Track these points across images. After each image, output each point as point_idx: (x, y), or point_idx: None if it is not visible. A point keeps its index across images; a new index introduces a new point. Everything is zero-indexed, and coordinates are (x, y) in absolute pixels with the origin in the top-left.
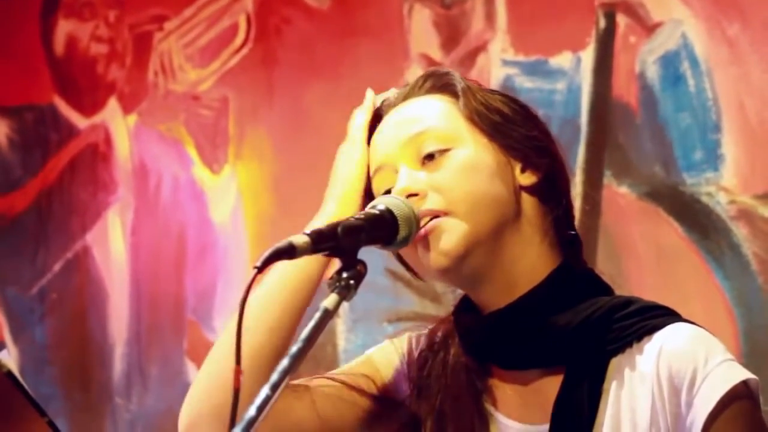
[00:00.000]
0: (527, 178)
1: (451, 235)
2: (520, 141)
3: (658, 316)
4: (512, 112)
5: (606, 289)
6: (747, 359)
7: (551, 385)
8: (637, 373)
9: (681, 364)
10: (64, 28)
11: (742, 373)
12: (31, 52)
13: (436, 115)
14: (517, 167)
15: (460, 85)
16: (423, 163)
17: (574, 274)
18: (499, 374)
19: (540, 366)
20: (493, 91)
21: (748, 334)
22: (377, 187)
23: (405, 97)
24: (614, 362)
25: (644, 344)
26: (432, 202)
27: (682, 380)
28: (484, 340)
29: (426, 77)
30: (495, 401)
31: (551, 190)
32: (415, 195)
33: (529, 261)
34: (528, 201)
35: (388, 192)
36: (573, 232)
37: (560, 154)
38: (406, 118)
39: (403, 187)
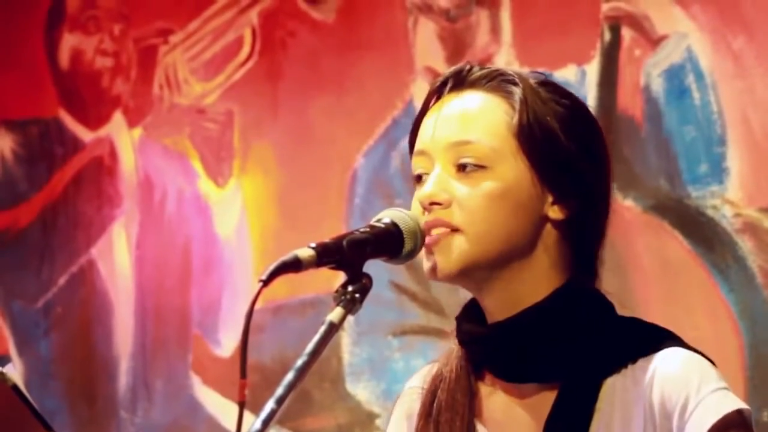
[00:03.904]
0: (555, 213)
1: (450, 255)
2: (560, 173)
3: (656, 339)
4: (567, 136)
5: (608, 309)
6: (752, 372)
7: (545, 402)
8: (631, 395)
9: (673, 389)
10: (69, 41)
11: (735, 403)
12: (36, 66)
13: (486, 128)
14: (550, 198)
15: (518, 99)
16: (458, 170)
17: (576, 293)
18: (495, 385)
19: (536, 381)
20: (563, 99)
21: (753, 347)
22: (414, 165)
23: (470, 85)
24: (608, 382)
25: (639, 366)
26: (453, 215)
27: (675, 405)
28: (483, 350)
29: (494, 75)
30: (485, 417)
31: (579, 227)
32: (438, 204)
33: (536, 282)
34: (550, 232)
35: (418, 178)
36: (592, 264)
37: (606, 191)
38: (460, 114)
39: (428, 194)
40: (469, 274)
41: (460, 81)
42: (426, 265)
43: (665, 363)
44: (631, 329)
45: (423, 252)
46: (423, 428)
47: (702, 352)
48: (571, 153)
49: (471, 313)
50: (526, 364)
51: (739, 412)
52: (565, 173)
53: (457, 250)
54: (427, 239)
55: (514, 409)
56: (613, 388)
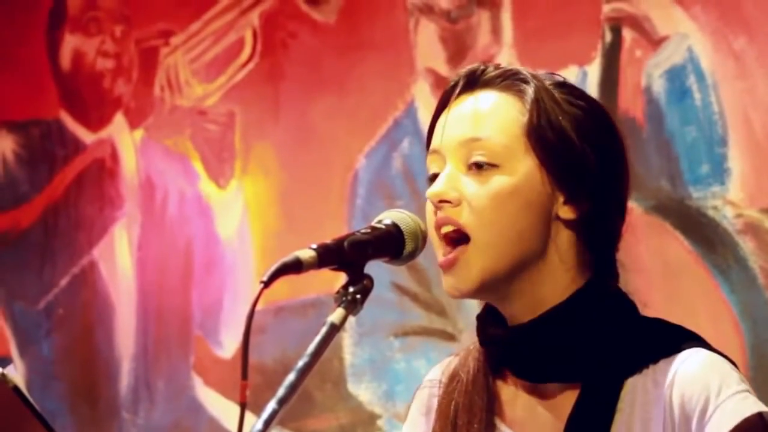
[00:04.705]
0: (567, 212)
1: (467, 273)
2: (571, 173)
3: (678, 340)
4: (579, 137)
5: (631, 310)
6: (754, 372)
7: (566, 402)
8: (651, 396)
9: (694, 391)
10: (70, 43)
11: (755, 406)
12: (38, 67)
13: (497, 126)
14: (561, 198)
15: (529, 99)
16: (469, 168)
17: (598, 294)
18: (516, 385)
19: (557, 380)
20: (578, 100)
21: (755, 347)
22: (428, 164)
23: (484, 84)
24: (629, 383)
25: (660, 367)
26: (463, 214)
27: (694, 408)
28: (504, 351)
29: (507, 74)
30: (507, 417)
31: (592, 225)
32: (448, 202)
33: (555, 284)
34: (563, 232)
35: (433, 176)
36: (609, 261)
37: (620, 192)
38: (471, 112)
39: (438, 192)
40: (488, 287)
41: (474, 80)
42: (445, 285)
43: (686, 364)
44: (654, 330)
45: (442, 270)
46: (441, 430)
47: (725, 354)
48: (583, 153)
49: (493, 313)
50: (547, 365)
51: (759, 416)
52: (576, 173)
53: (474, 266)
54: (442, 260)
55: (536, 408)
56: (634, 388)
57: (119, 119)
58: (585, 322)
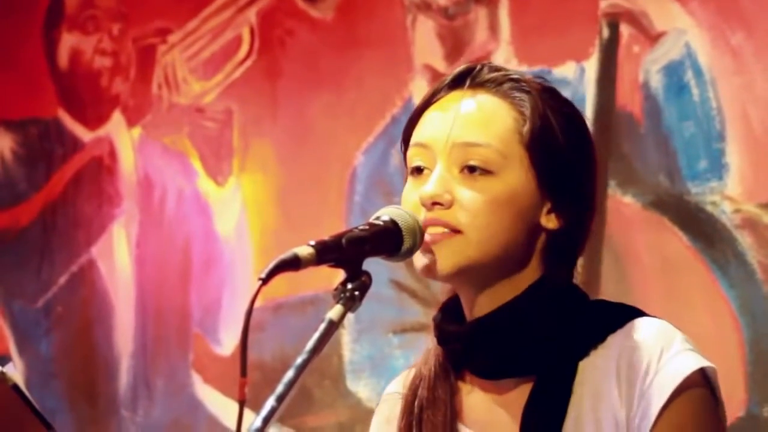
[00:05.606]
0: (550, 221)
1: (450, 255)
2: (561, 183)
3: (622, 314)
4: (568, 146)
5: (580, 299)
6: (753, 367)
7: (523, 397)
8: (601, 372)
9: (637, 357)
10: (67, 41)
11: (697, 362)
12: (35, 66)
13: (497, 133)
14: (546, 207)
15: (530, 108)
16: (462, 170)
17: (550, 286)
18: (474, 385)
19: (512, 376)
20: (564, 108)
21: (753, 342)
22: (411, 156)
23: (479, 86)
24: (581, 365)
25: (608, 342)
26: (454, 217)
27: (638, 373)
28: (461, 348)
29: (505, 80)
30: (467, 417)
31: (568, 233)
32: (440, 204)
33: (518, 281)
34: (541, 238)
35: (416, 169)
36: (571, 263)
37: (595, 198)
38: (471, 116)
39: (431, 194)
40: (464, 275)
41: (469, 81)
42: (421, 261)
43: (630, 334)
44: (598, 310)
45: (420, 250)
46: (405, 427)
47: (668, 321)
48: (571, 163)
49: (449, 313)
50: (502, 360)
51: (701, 371)
52: (566, 183)
53: (458, 251)
54: (427, 237)
55: (493, 406)
56: (584, 369)
57: (117, 117)
58: (535, 314)
